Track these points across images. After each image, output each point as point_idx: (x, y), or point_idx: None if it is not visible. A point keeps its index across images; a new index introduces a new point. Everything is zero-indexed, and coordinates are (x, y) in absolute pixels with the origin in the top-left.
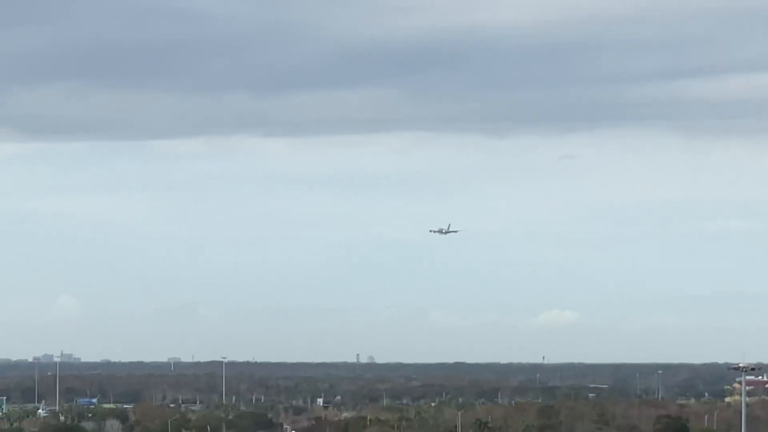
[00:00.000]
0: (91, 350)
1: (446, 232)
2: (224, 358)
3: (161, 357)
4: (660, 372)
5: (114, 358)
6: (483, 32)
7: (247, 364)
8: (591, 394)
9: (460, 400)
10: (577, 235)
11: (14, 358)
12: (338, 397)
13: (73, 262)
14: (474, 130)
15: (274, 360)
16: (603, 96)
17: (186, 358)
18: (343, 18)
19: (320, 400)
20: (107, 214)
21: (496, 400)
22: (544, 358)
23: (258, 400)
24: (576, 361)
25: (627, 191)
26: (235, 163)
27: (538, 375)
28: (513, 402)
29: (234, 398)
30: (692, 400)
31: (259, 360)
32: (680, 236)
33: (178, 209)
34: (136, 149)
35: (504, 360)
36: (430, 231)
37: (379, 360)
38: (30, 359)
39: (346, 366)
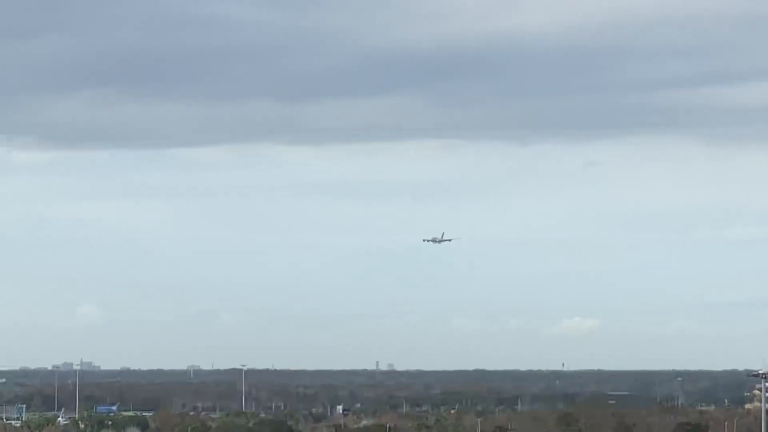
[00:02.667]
0: (110, 358)
1: (440, 241)
2: (244, 365)
3: (181, 365)
4: (680, 379)
5: (134, 366)
6: (508, 39)
7: (266, 371)
8: (611, 401)
9: (480, 407)
10: (600, 242)
11: (34, 366)
12: (358, 405)
13: (95, 269)
14: (498, 137)
15: (293, 367)
16: (627, 103)
17: (205, 366)
18: (369, 25)
19: (340, 408)
20: (129, 221)
21: (515, 407)
22: (563, 365)
23: (278, 407)
24: (596, 368)
25: (650, 198)
26: (259, 170)
27: (557, 382)
28: (533, 409)
29: (254, 406)
30: (712, 407)
31: (278, 367)
32: (701, 243)
33: (200, 217)
34: (159, 157)
35: (524, 367)
36: (424, 240)
37: (399, 367)
38: (49, 367)
39: (365, 373)
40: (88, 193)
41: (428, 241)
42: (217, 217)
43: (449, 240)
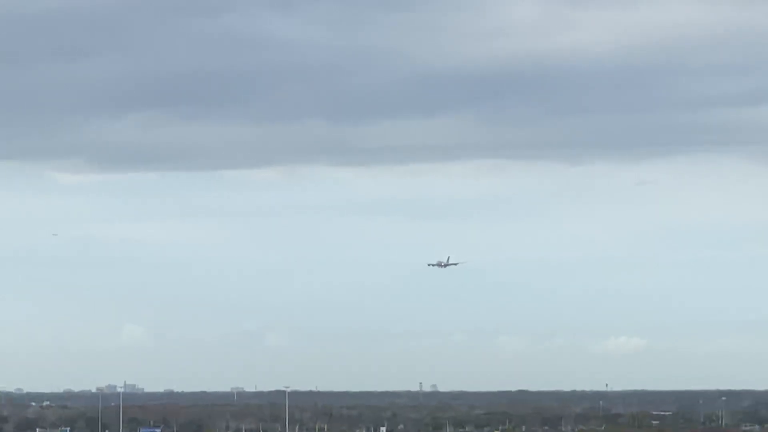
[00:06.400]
0: (154, 380)
1: (445, 265)
2: (287, 387)
3: (225, 387)
4: (724, 398)
5: (177, 388)
6: (559, 58)
7: (310, 393)
8: (655, 422)
9: (524, 428)
10: (649, 260)
11: (78, 388)
12: (401, 426)
13: (140, 291)
14: (549, 156)
15: (337, 389)
16: (680, 121)
17: (249, 388)
18: (420, 45)
19: (383, 429)
20: (176, 242)
21: (559, 428)
22: (607, 385)
23: (321, 429)
24: (639, 388)
25: (700, 217)
26: (309, 191)
27: (601, 402)
28: (576, 430)
29: (297, 428)
30: (756, 427)
31: (322, 389)
32: (751, 261)
33: (248, 237)
34: (209, 179)
35: (567, 387)
36: (429, 265)
37: (442, 388)
38: (93, 389)
39: (409, 395)
40: (137, 215)
41: (433, 265)
42: (264, 237)
43: (455, 264)
